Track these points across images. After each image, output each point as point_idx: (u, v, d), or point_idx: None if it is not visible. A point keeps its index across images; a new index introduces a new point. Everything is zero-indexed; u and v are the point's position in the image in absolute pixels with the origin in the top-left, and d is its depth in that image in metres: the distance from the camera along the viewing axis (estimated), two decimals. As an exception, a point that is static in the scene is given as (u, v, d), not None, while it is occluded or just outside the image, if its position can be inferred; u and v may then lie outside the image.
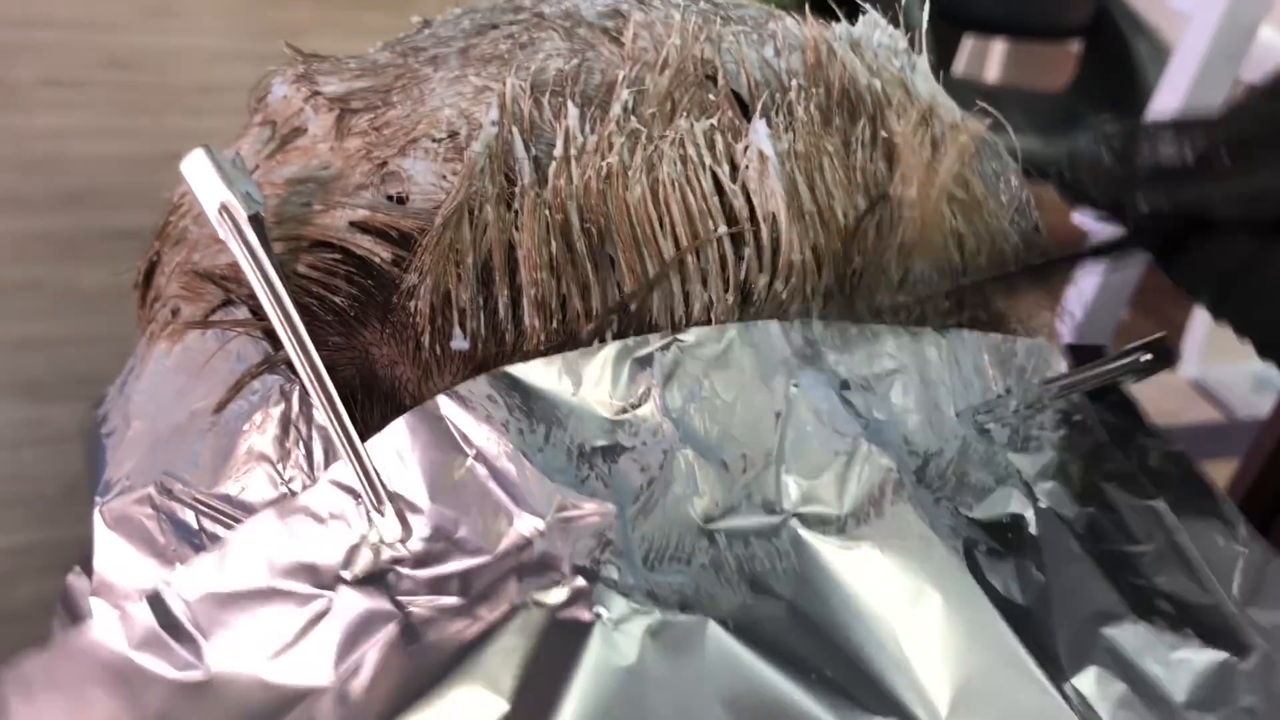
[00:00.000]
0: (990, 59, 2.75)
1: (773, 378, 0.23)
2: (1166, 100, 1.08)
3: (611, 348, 0.22)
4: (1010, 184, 0.30)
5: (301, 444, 0.23)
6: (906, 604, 0.22)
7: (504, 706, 0.20)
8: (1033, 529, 0.24)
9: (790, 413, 0.23)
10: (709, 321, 0.23)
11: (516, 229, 0.23)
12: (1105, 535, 0.25)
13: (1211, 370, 1.58)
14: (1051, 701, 0.21)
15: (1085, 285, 1.19)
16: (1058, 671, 0.22)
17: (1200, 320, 1.83)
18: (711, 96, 0.25)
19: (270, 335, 0.24)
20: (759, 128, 0.25)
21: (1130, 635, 0.23)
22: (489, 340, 0.22)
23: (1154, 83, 2.02)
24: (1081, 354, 0.27)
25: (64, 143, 2.27)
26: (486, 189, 0.23)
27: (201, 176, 0.21)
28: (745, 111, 0.25)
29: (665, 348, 0.22)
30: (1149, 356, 0.25)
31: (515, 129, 0.24)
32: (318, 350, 0.21)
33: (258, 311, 0.24)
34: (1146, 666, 0.23)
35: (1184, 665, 0.23)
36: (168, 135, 2.37)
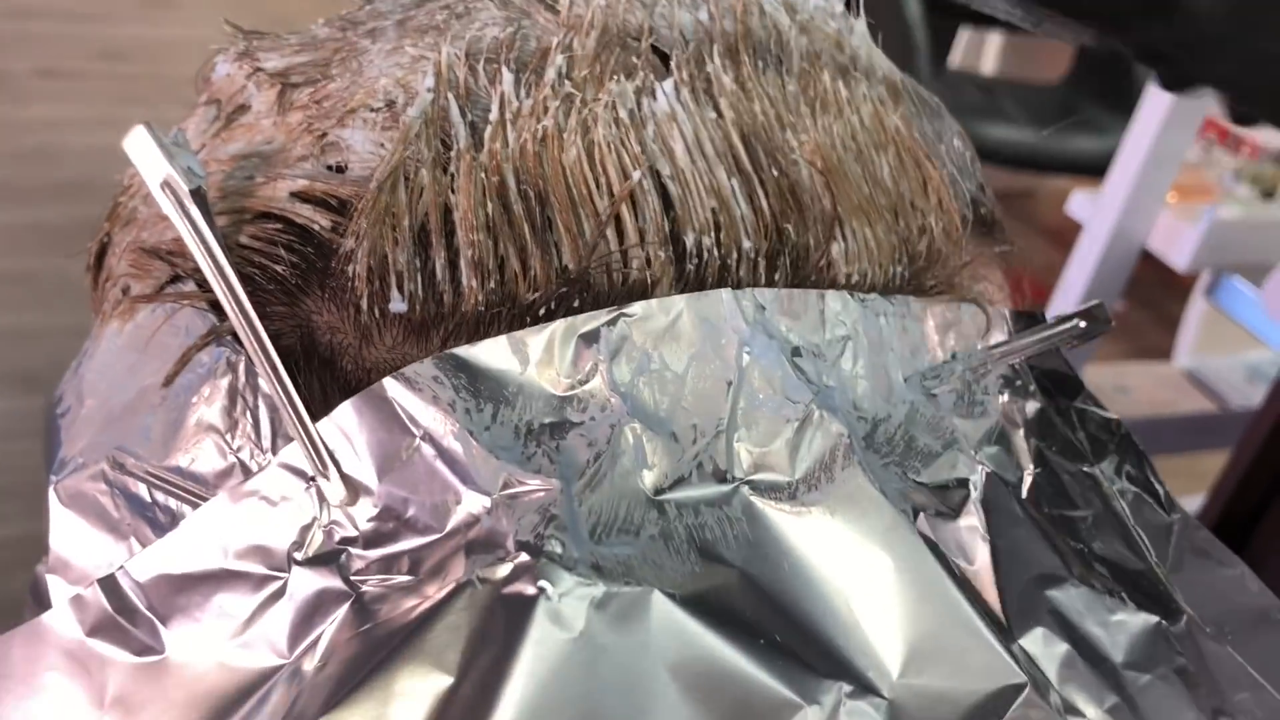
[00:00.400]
0: (986, 51, 2.75)
1: (724, 346, 0.23)
2: (1158, 94, 1.08)
3: (558, 325, 0.22)
4: (953, 145, 0.30)
5: (249, 414, 0.23)
6: (857, 568, 0.22)
7: (447, 681, 0.20)
8: (977, 492, 0.24)
9: (742, 381, 0.23)
10: (649, 286, 0.23)
11: (453, 192, 0.23)
12: (1046, 499, 0.25)
13: (1205, 361, 1.58)
14: (1000, 660, 0.22)
15: (1079, 278, 1.19)
16: (1005, 632, 0.23)
17: (1195, 312, 1.84)
18: (635, 59, 0.25)
19: (216, 307, 0.24)
20: (665, 86, 0.25)
21: (1072, 597, 0.24)
22: (427, 302, 0.23)
23: (1149, 74, 2.02)
24: (1021, 321, 0.27)
25: (59, 134, 2.27)
26: (422, 153, 0.23)
27: (143, 153, 0.21)
28: (667, 70, 0.25)
29: (612, 322, 0.22)
30: (1084, 323, 0.26)
31: (450, 95, 0.24)
32: (261, 320, 0.21)
33: (204, 285, 0.25)
34: (1088, 628, 0.24)
35: (1121, 627, 0.24)
36: (163, 126, 2.36)
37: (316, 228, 0.24)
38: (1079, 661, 0.23)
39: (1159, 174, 1.11)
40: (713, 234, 0.24)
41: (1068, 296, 1.21)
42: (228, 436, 0.23)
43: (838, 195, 0.25)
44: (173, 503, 0.24)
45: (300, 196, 0.24)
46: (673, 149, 0.24)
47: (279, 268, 0.24)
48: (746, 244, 0.24)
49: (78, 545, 0.24)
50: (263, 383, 0.23)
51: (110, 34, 2.72)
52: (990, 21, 2.50)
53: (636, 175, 0.24)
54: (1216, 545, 0.27)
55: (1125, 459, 0.28)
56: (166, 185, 0.21)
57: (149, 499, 0.24)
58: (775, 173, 0.25)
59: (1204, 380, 1.50)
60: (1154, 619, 0.24)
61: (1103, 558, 0.25)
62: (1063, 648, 0.23)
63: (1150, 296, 2.21)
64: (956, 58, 2.59)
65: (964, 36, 2.61)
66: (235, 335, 0.23)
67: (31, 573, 0.26)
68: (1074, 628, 0.24)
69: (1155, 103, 1.09)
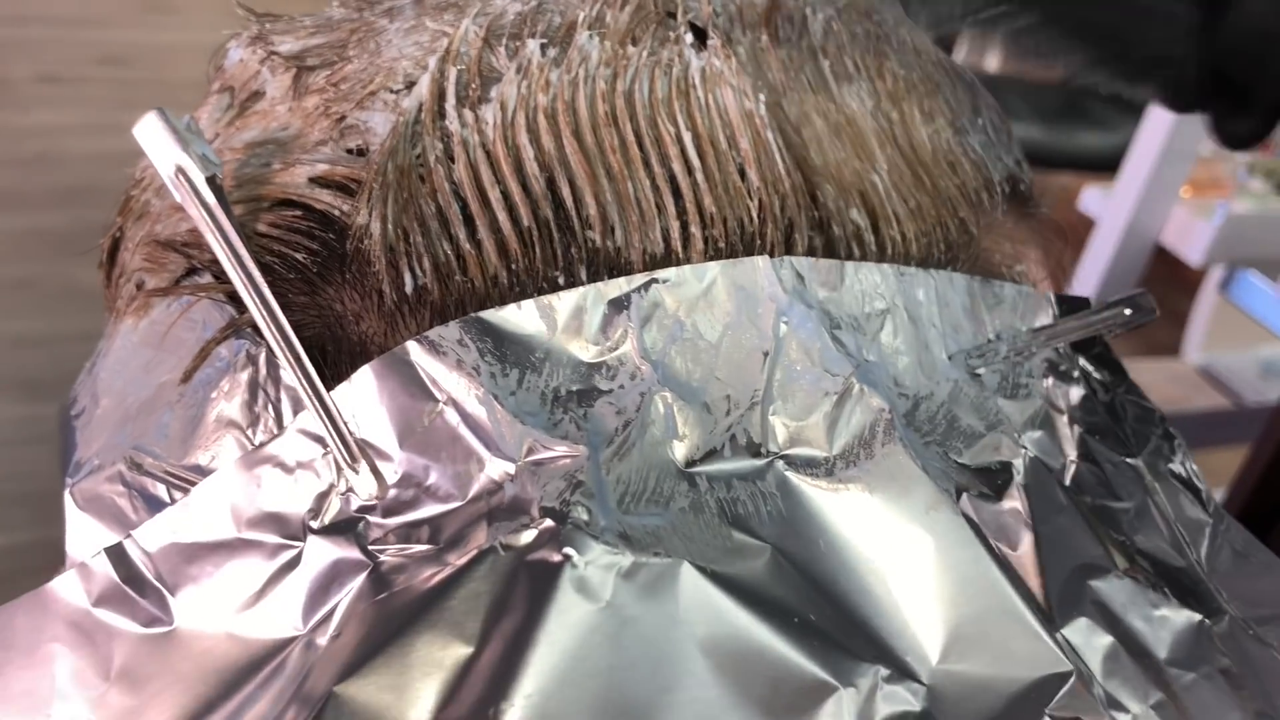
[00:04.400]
0: (990, 49, 2.74)
1: (760, 315, 0.22)
2: (1172, 86, 1.08)
3: (588, 290, 0.21)
4: (988, 117, 0.29)
5: (270, 407, 0.22)
6: (897, 547, 0.21)
7: (467, 650, 0.19)
8: (1021, 477, 0.23)
9: (779, 352, 0.22)
10: (679, 256, 0.22)
11: (471, 166, 0.22)
12: (1089, 488, 0.25)
13: (1218, 357, 1.57)
14: (1045, 648, 0.21)
15: (1092, 273, 1.19)
16: (1049, 620, 0.22)
17: (1204, 307, 1.83)
18: (671, 32, 0.25)
19: (234, 299, 0.23)
20: (701, 57, 0.24)
21: (1116, 589, 0.23)
22: (450, 280, 0.22)
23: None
24: (1066, 305, 0.27)
25: (60, 140, 2.26)
26: (430, 127, 0.23)
27: (155, 140, 0.21)
28: (705, 45, 0.25)
29: (644, 288, 0.22)
30: (1129, 310, 0.25)
31: (457, 68, 0.23)
32: (283, 311, 0.21)
33: (221, 276, 0.24)
34: (1131, 621, 0.23)
35: (1164, 623, 0.23)
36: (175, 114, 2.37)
37: (337, 213, 0.23)
38: (1123, 655, 0.22)
39: (1173, 169, 1.10)
40: (751, 204, 0.23)
41: (1081, 292, 1.20)
42: (249, 431, 0.23)
43: (869, 166, 0.25)
44: None
45: (319, 181, 0.23)
46: (714, 119, 0.24)
47: (299, 255, 0.23)
48: (780, 215, 0.23)
49: (96, 549, 0.23)
50: (285, 374, 0.22)
51: (111, 39, 2.71)
52: (994, 23, 2.49)
53: (684, 139, 0.23)
54: (1257, 546, 0.27)
55: (1167, 452, 0.27)
56: (180, 173, 0.21)
57: (168, 499, 0.23)
58: (807, 141, 0.24)
59: (1217, 376, 1.49)
60: (1197, 617, 0.24)
61: (1144, 551, 0.25)
62: (1106, 640, 0.22)
63: (1158, 292, 2.20)
64: (961, 55, 2.59)
65: (968, 34, 2.60)
66: (255, 327, 0.22)
67: (38, 581, 0.25)
68: (1117, 620, 0.23)
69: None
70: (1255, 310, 1.25)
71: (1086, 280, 1.19)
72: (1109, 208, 1.15)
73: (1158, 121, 1.09)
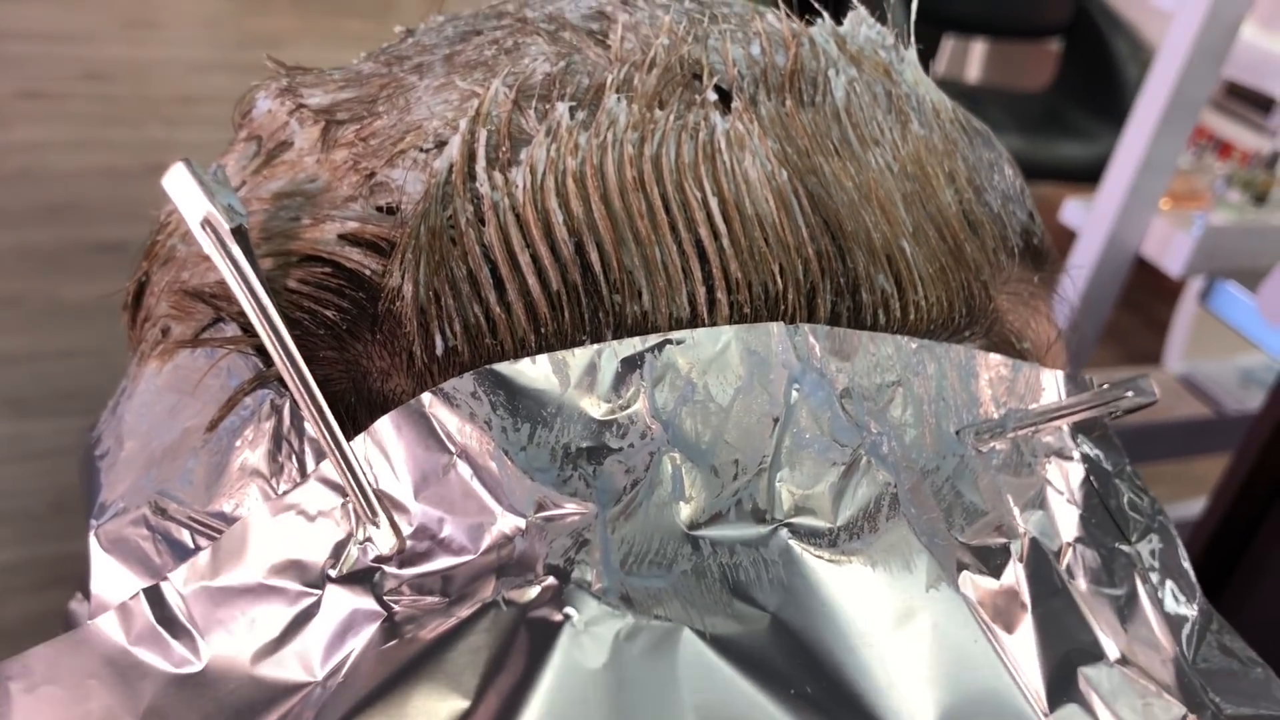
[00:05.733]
0: (970, 59, 2.76)
1: (772, 381, 0.22)
2: (1152, 99, 1.09)
3: (602, 348, 0.22)
4: (1004, 173, 0.29)
5: (294, 458, 0.22)
6: (895, 623, 0.21)
7: (463, 705, 0.19)
8: (1019, 558, 0.24)
9: (789, 419, 0.22)
10: (704, 321, 0.23)
11: (502, 229, 0.22)
12: (1084, 572, 0.25)
13: (1199, 366, 1.58)
14: None
15: (1072, 286, 1.19)
16: (1040, 704, 0.22)
17: (1184, 316, 1.84)
18: (697, 95, 0.25)
19: (261, 351, 0.24)
20: (726, 121, 0.25)
21: (1105, 677, 0.23)
22: (481, 343, 0.22)
23: (1134, 80, 2.03)
24: (1071, 384, 0.27)
25: (43, 156, 2.26)
26: (460, 189, 0.23)
27: (183, 190, 0.21)
28: (729, 108, 0.25)
29: (658, 348, 0.22)
30: (1132, 393, 0.25)
31: (486, 129, 0.23)
32: (309, 365, 0.21)
33: (248, 328, 0.24)
34: (1119, 711, 0.23)
35: (1151, 714, 0.23)
36: (147, 147, 2.36)
37: (368, 272, 0.23)
38: None
39: (1152, 181, 1.11)
40: (774, 268, 0.23)
41: (1063, 304, 1.21)
42: (273, 481, 0.23)
43: (897, 231, 0.25)
44: None
45: (349, 239, 0.24)
46: (739, 183, 0.24)
47: (329, 313, 0.24)
48: (803, 279, 0.24)
49: (120, 591, 0.24)
50: (309, 427, 0.22)
51: (93, 55, 2.71)
52: (973, 30, 2.52)
53: (710, 205, 0.23)
54: (1240, 643, 0.27)
55: (1160, 541, 0.27)
56: (207, 224, 0.21)
57: (192, 544, 0.23)
58: (831, 207, 0.24)
59: (1198, 385, 1.50)
60: (1181, 709, 0.24)
61: (1133, 639, 0.25)
62: None
63: (1138, 301, 2.22)
64: (941, 67, 2.60)
65: (948, 45, 2.62)
66: (281, 379, 0.23)
67: (26, 600, 0.25)
68: (1106, 709, 0.23)
69: (1147, 110, 1.09)
70: (1234, 320, 1.26)
71: (1069, 294, 1.20)
72: (1090, 220, 1.16)
73: (1137, 133, 1.10)
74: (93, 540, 0.25)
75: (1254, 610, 0.99)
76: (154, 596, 0.22)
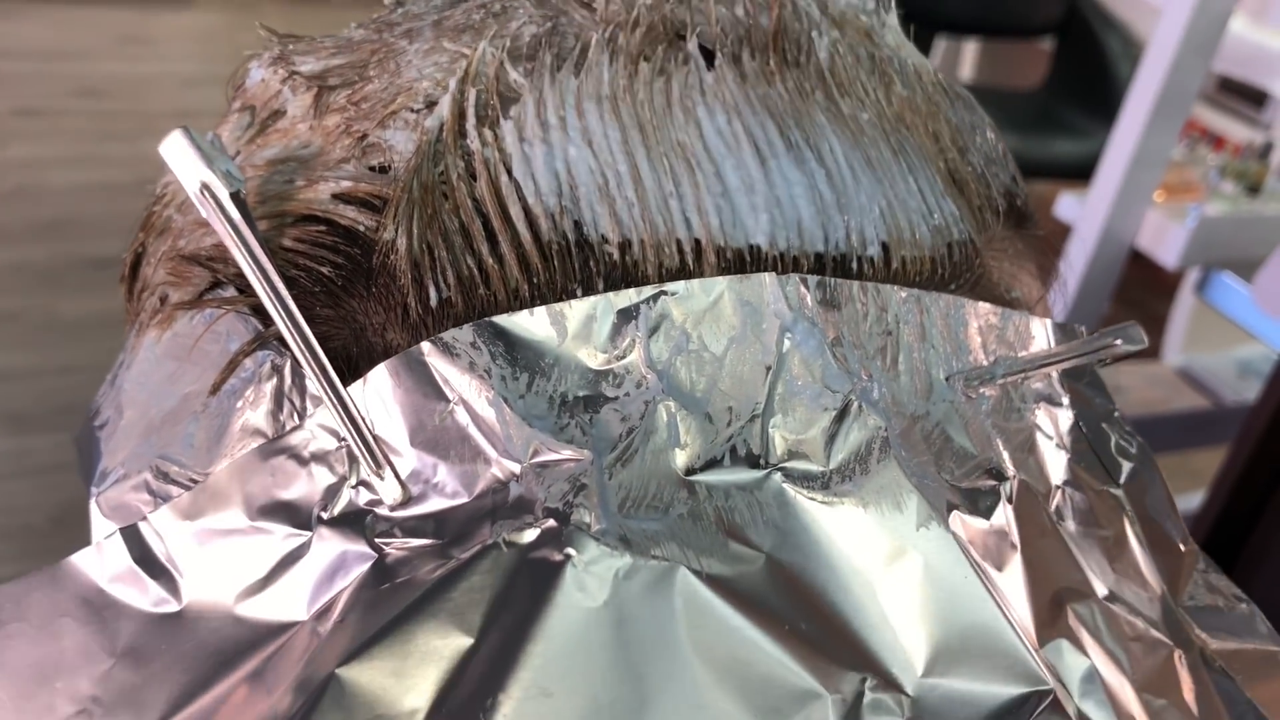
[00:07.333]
0: (963, 59, 2.77)
1: (764, 331, 0.23)
2: (1142, 94, 1.09)
3: (598, 300, 0.22)
4: (986, 136, 0.30)
5: (295, 415, 0.23)
6: (887, 561, 0.22)
7: (467, 641, 0.20)
8: (1009, 500, 0.24)
9: (781, 367, 0.23)
10: (692, 272, 0.23)
11: (493, 182, 0.23)
12: (1071, 515, 0.25)
13: (1196, 359, 1.58)
14: (1027, 666, 0.22)
15: (1069, 279, 1.19)
16: (1030, 639, 0.22)
17: (1182, 310, 1.84)
18: (680, 53, 0.25)
19: (259, 312, 0.24)
20: (710, 78, 0.25)
21: (1094, 614, 0.24)
22: (473, 293, 0.23)
23: (1126, 77, 2.04)
24: (1060, 333, 0.27)
25: (38, 172, 2.26)
26: (451, 146, 0.23)
27: (180, 157, 0.21)
28: (710, 66, 0.26)
29: (652, 299, 0.22)
30: (1121, 340, 0.26)
31: (474, 87, 0.24)
32: (308, 323, 0.21)
33: (245, 290, 0.25)
34: (1108, 645, 0.23)
35: (1138, 650, 0.24)
36: (143, 162, 2.37)
37: (361, 228, 0.24)
38: (1098, 678, 0.23)
39: (1145, 174, 1.12)
40: (766, 223, 0.24)
41: (1059, 296, 1.21)
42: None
43: (875, 186, 0.25)
44: None
45: (343, 198, 0.24)
46: (723, 139, 0.24)
47: (324, 269, 0.24)
48: (792, 235, 0.24)
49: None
50: (310, 384, 0.23)
51: (87, 71, 2.72)
52: (966, 29, 2.52)
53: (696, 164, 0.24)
54: (1225, 581, 0.27)
55: (1147, 483, 0.27)
56: (205, 189, 0.21)
57: None
58: (816, 164, 0.25)
59: (1196, 377, 1.50)
60: (1168, 645, 0.24)
61: (1121, 580, 0.25)
62: (1084, 662, 0.23)
63: (1134, 295, 2.22)
64: (935, 65, 2.60)
65: (941, 45, 2.63)
66: (280, 339, 0.23)
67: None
68: (1094, 645, 0.23)
69: (1139, 103, 1.09)
70: (1231, 311, 1.26)
71: (1064, 288, 1.20)
72: (1084, 213, 1.16)
73: (1130, 126, 1.10)
74: (93, 507, 0.25)
75: (1254, 600, 0.98)
76: (131, 536, 0.22)
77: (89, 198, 2.20)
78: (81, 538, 0.26)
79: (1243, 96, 1.99)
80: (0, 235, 2.04)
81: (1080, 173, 1.81)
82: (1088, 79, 2.15)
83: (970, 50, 2.75)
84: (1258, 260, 1.10)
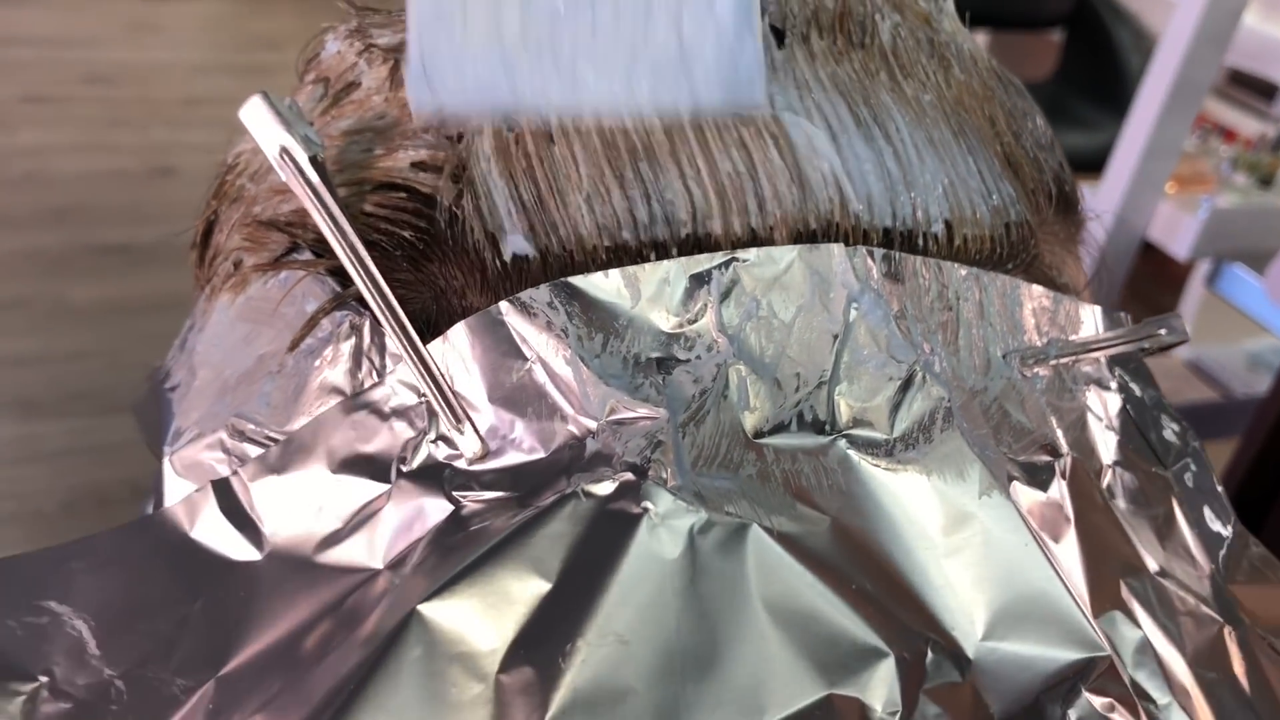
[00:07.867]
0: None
1: (832, 300, 0.23)
2: (1155, 85, 1.08)
3: (671, 264, 0.23)
4: (1036, 122, 0.30)
5: (374, 374, 0.23)
6: (949, 527, 0.23)
7: (545, 586, 0.20)
8: (1063, 474, 0.25)
9: (848, 335, 0.23)
10: (762, 240, 0.24)
11: (570, 147, 0.24)
12: (1122, 494, 0.26)
13: (1206, 351, 1.58)
14: (1085, 633, 0.22)
15: (1101, 231, 1.19)
16: (1086, 608, 0.23)
17: (1191, 302, 1.84)
18: None
19: (336, 274, 0.24)
20: (780, 56, 0.26)
21: (1146, 589, 0.24)
22: (550, 255, 0.23)
23: (1137, 69, 2.03)
24: (1108, 319, 0.28)
25: (47, 159, 2.26)
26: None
27: (260, 122, 0.22)
28: (780, 44, 0.26)
29: (725, 265, 0.23)
30: (1165, 330, 0.26)
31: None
32: (388, 285, 0.22)
33: (323, 252, 0.25)
34: (1160, 620, 0.24)
35: (1189, 625, 0.24)
36: (151, 149, 2.37)
37: (441, 195, 0.24)
38: (1151, 649, 0.23)
39: (1157, 165, 1.11)
40: (835, 196, 0.24)
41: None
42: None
43: (938, 165, 0.26)
44: None
45: (422, 166, 0.25)
46: (793, 114, 0.25)
47: (406, 233, 0.24)
48: (859, 206, 0.25)
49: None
50: (389, 342, 0.23)
51: (96, 58, 2.72)
52: (975, 21, 2.50)
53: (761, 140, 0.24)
54: (1272, 563, 0.28)
55: (1195, 467, 0.28)
56: (285, 153, 0.22)
57: None
58: (884, 142, 0.26)
59: (1206, 370, 1.50)
60: (1218, 622, 0.25)
61: (1171, 557, 0.26)
62: (1137, 634, 0.23)
63: (1143, 289, 2.21)
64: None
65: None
66: (359, 299, 0.23)
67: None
68: (1147, 618, 0.24)
69: (1151, 95, 1.09)
70: (1242, 303, 1.26)
71: (1109, 273, 1.20)
72: (1096, 204, 1.16)
73: (1142, 118, 1.10)
74: (166, 466, 0.26)
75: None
76: (221, 488, 0.23)
77: (98, 184, 2.20)
78: (90, 524, 0.26)
79: (1253, 89, 1.99)
80: (10, 222, 2.04)
81: (1090, 165, 1.80)
82: (1098, 71, 2.14)
83: (980, 42, 2.74)
84: (1269, 252, 1.10)
